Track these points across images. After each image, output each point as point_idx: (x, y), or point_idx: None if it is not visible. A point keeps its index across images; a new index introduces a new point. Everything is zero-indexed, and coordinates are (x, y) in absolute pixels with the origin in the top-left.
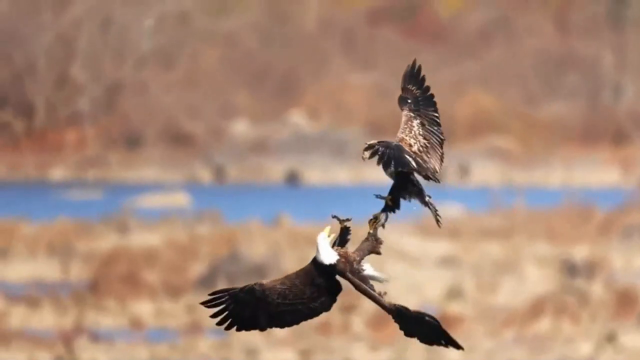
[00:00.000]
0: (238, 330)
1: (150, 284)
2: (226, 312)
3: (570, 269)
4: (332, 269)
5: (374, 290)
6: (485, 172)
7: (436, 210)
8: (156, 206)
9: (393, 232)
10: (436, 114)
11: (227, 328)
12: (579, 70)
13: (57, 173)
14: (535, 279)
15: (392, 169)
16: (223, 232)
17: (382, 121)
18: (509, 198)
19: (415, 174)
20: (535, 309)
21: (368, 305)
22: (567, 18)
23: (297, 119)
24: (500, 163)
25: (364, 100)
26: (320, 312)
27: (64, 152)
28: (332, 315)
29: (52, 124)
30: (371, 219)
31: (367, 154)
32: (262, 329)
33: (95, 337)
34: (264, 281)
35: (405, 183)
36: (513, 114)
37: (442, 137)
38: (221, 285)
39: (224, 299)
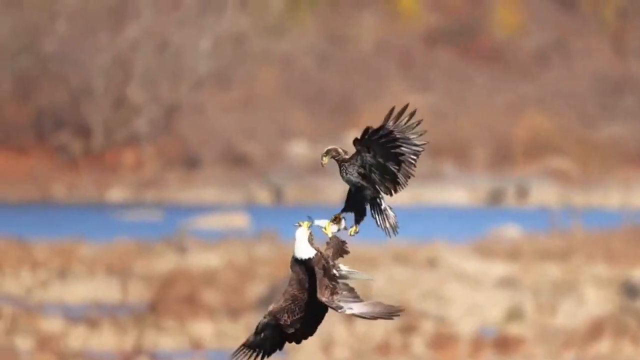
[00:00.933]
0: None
1: (210, 305)
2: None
3: (629, 290)
4: (306, 263)
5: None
6: (544, 193)
7: (389, 225)
8: (215, 227)
9: (452, 254)
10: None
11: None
12: (636, 91)
13: (116, 194)
14: (595, 300)
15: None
16: (282, 253)
17: (438, 142)
18: (568, 219)
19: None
20: (595, 330)
21: (429, 325)
22: (624, 40)
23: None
24: (559, 184)
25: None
26: (325, 311)
27: (121, 173)
28: (392, 336)
29: (110, 145)
30: (332, 219)
31: (325, 159)
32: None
33: (155, 358)
34: (270, 307)
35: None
36: (570, 135)
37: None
38: None
39: (248, 351)
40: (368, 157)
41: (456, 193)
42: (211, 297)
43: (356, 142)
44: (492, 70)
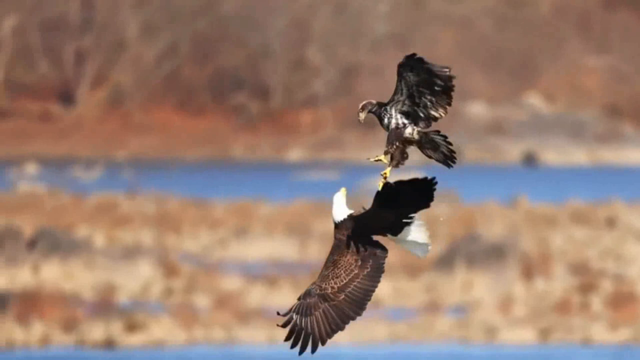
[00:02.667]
0: (323, 343)
1: (388, 264)
2: (300, 329)
3: None
4: (343, 224)
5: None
6: None
7: (443, 157)
8: None
9: (631, 214)
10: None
11: (314, 346)
12: None
13: (294, 154)
14: None
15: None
16: (461, 213)
17: (618, 104)
18: None
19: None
20: None
21: (608, 284)
22: None
23: (534, 100)
24: None
25: (600, 83)
26: (379, 276)
27: (300, 133)
28: (572, 295)
29: (288, 106)
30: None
31: (362, 115)
32: (342, 328)
33: None
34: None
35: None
36: None
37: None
38: (459, 265)
39: (292, 314)
40: (411, 76)
41: (635, 153)
42: (389, 256)
43: (399, 65)
44: None
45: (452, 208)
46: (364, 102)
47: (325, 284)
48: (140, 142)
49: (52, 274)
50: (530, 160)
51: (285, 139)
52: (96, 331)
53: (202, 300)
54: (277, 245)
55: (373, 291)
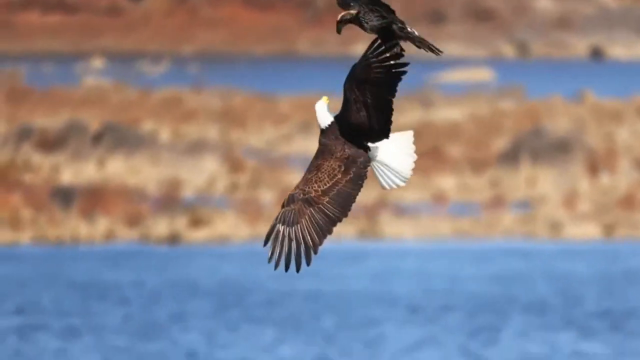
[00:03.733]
0: (316, 251)
1: (454, 158)
2: (289, 241)
3: None
4: (329, 130)
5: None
6: None
7: (429, 45)
8: (459, 81)
9: None
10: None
11: (308, 257)
12: None
13: (360, 48)
14: None
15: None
16: (526, 107)
17: None
18: None
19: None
20: None
21: None
22: None
23: None
24: None
25: None
26: (361, 182)
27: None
28: (636, 190)
29: None
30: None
31: (341, 26)
32: (330, 232)
33: (399, 210)
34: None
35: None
36: None
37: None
38: (524, 160)
39: (278, 226)
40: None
41: None
42: (455, 150)
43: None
44: None
45: (517, 103)
46: (342, 14)
47: (309, 187)
48: (207, 36)
49: (117, 169)
50: (596, 54)
51: (351, 33)
52: (160, 226)
53: (266, 196)
54: None
55: (355, 196)
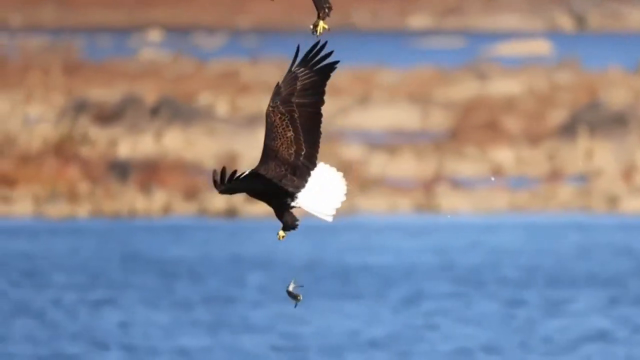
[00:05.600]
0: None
1: (510, 131)
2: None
3: None
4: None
5: None
6: None
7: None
8: (516, 54)
9: None
10: None
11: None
12: None
13: (417, 21)
14: None
15: None
16: (583, 80)
17: None
18: None
19: None
20: None
21: None
22: None
23: None
24: None
25: None
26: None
27: (423, 0)
28: None
29: None
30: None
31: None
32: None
33: (455, 184)
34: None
35: None
36: None
37: None
38: (581, 133)
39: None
40: None
41: None
42: (511, 123)
43: None
44: None
45: (574, 76)
46: None
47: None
48: (263, 9)
49: (174, 142)
50: None
51: (408, 5)
52: (217, 200)
53: None
54: (399, 113)
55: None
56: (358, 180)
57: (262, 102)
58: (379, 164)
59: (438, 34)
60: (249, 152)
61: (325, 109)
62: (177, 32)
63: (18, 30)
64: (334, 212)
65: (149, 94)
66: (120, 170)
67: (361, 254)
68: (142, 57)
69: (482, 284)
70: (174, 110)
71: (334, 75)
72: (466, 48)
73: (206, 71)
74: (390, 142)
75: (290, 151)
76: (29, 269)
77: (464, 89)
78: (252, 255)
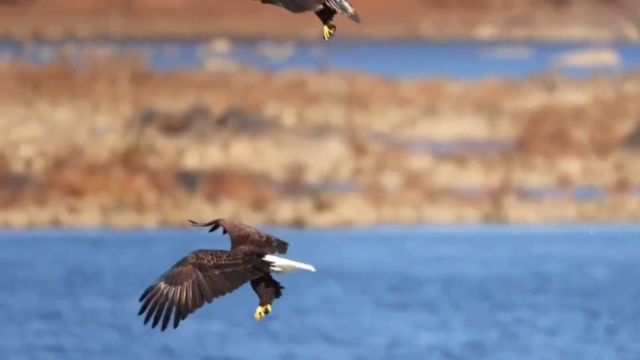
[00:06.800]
0: (185, 315)
1: (578, 142)
2: (164, 300)
3: None
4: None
5: None
6: None
7: (352, 13)
8: (583, 64)
9: None
10: None
11: (176, 318)
12: None
13: (484, 31)
14: None
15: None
16: None
17: None
18: None
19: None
20: None
21: None
22: None
23: None
24: None
25: None
26: (259, 272)
27: (490, 10)
28: None
29: None
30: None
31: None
32: (210, 300)
33: (523, 194)
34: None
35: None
36: None
37: None
38: None
39: (160, 283)
40: None
41: None
42: (579, 134)
43: None
44: None
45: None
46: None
47: (205, 256)
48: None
49: (241, 152)
50: None
51: (475, 16)
52: (285, 210)
53: (391, 180)
54: (466, 123)
55: (247, 280)
56: (426, 191)
57: (329, 113)
58: (446, 174)
59: (505, 44)
60: (315, 163)
61: (392, 119)
62: (244, 43)
63: (85, 40)
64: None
65: (216, 104)
66: (188, 180)
67: (429, 264)
68: (209, 67)
69: (554, 294)
70: (241, 121)
71: (402, 85)
72: (533, 58)
73: (273, 81)
74: (457, 152)
75: (259, 235)
76: (96, 279)
77: (531, 99)
78: (321, 265)
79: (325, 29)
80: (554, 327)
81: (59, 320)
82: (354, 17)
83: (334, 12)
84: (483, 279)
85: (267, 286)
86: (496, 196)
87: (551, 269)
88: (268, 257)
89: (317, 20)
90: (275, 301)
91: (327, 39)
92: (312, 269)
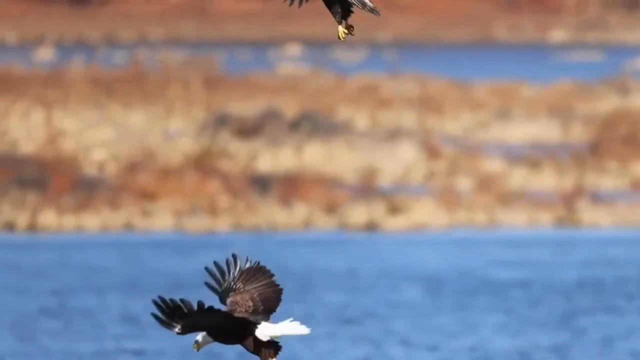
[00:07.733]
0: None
1: None
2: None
3: None
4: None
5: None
6: None
7: (371, 7)
8: None
9: None
10: None
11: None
12: None
13: (557, 35)
14: None
15: None
16: None
17: None
18: None
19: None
20: None
21: None
22: None
23: None
24: None
25: None
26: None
27: (563, 14)
28: None
29: None
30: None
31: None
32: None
33: (596, 198)
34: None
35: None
36: None
37: None
38: None
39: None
40: None
41: None
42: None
43: None
44: None
45: None
46: None
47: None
48: (403, 23)
49: (314, 156)
50: None
51: (548, 19)
52: (358, 214)
53: (463, 183)
54: (539, 127)
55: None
56: (499, 194)
57: (401, 117)
58: (519, 178)
59: (578, 48)
60: (388, 166)
61: (464, 123)
62: (316, 46)
63: (159, 44)
64: (306, 329)
65: (289, 108)
66: (261, 184)
67: (504, 267)
68: (282, 71)
69: (631, 297)
70: (314, 124)
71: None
72: (606, 61)
73: (346, 85)
74: (530, 156)
75: (249, 304)
76: (171, 284)
77: (604, 103)
78: (395, 268)
79: (340, 28)
80: (633, 330)
81: (137, 323)
82: (374, 11)
83: (349, 7)
84: (560, 283)
85: (265, 346)
86: (569, 200)
87: (626, 273)
88: (262, 325)
89: (390, 24)
90: (353, 304)
91: (342, 39)
92: (307, 331)
